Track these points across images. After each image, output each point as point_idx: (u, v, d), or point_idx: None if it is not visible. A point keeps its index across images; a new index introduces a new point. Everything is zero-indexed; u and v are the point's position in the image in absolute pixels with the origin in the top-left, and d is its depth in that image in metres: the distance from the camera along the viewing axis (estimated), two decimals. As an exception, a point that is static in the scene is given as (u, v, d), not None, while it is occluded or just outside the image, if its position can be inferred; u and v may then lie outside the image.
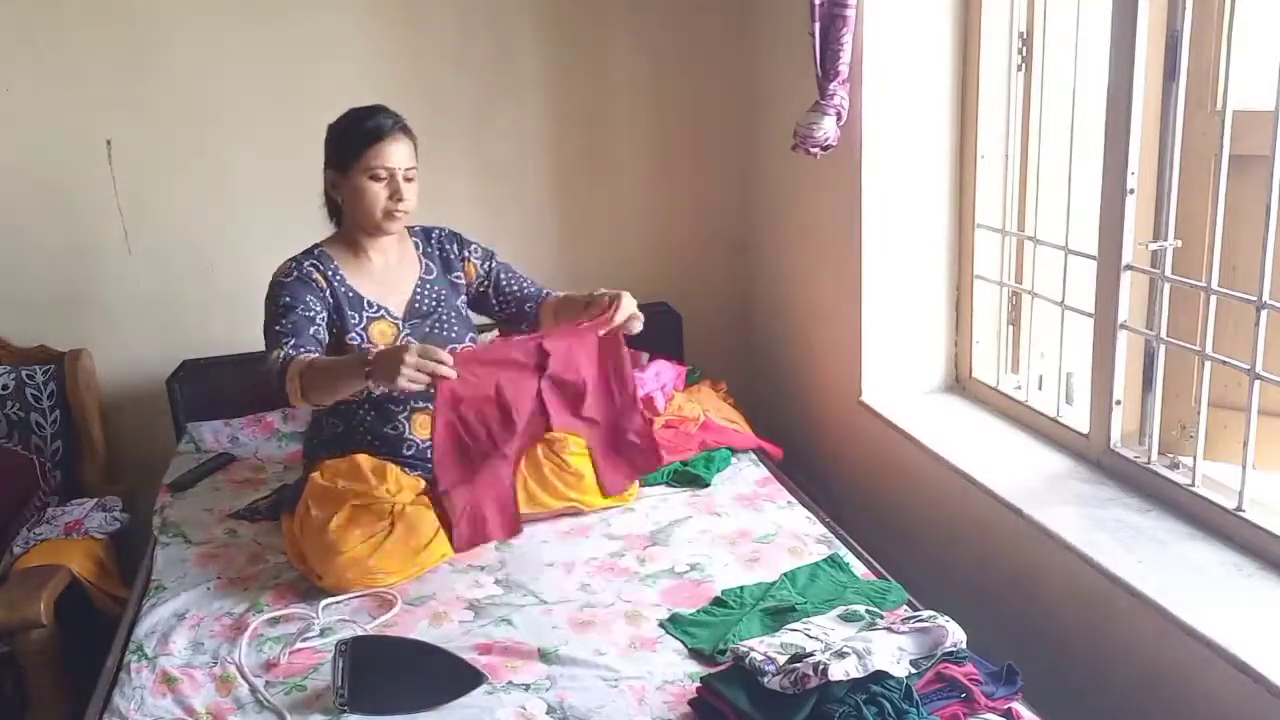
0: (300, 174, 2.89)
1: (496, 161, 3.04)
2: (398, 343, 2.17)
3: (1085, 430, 2.20)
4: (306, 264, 2.18)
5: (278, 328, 2.09)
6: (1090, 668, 1.89)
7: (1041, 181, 2.32)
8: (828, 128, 2.39)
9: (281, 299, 2.13)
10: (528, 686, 1.70)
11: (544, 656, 1.78)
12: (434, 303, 2.28)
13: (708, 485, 2.43)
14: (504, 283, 2.38)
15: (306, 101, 2.86)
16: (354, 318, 2.18)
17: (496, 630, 1.87)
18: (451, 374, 1.87)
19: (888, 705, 1.46)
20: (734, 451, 2.57)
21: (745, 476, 2.49)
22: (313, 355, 2.04)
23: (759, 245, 3.24)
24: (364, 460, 2.12)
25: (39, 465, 2.70)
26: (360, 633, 1.85)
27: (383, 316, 2.21)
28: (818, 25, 2.30)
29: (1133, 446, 2.14)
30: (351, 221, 2.22)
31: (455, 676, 1.70)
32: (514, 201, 3.08)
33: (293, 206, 2.91)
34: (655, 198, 3.20)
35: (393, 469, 2.12)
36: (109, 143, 2.77)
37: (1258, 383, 1.80)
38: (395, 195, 2.14)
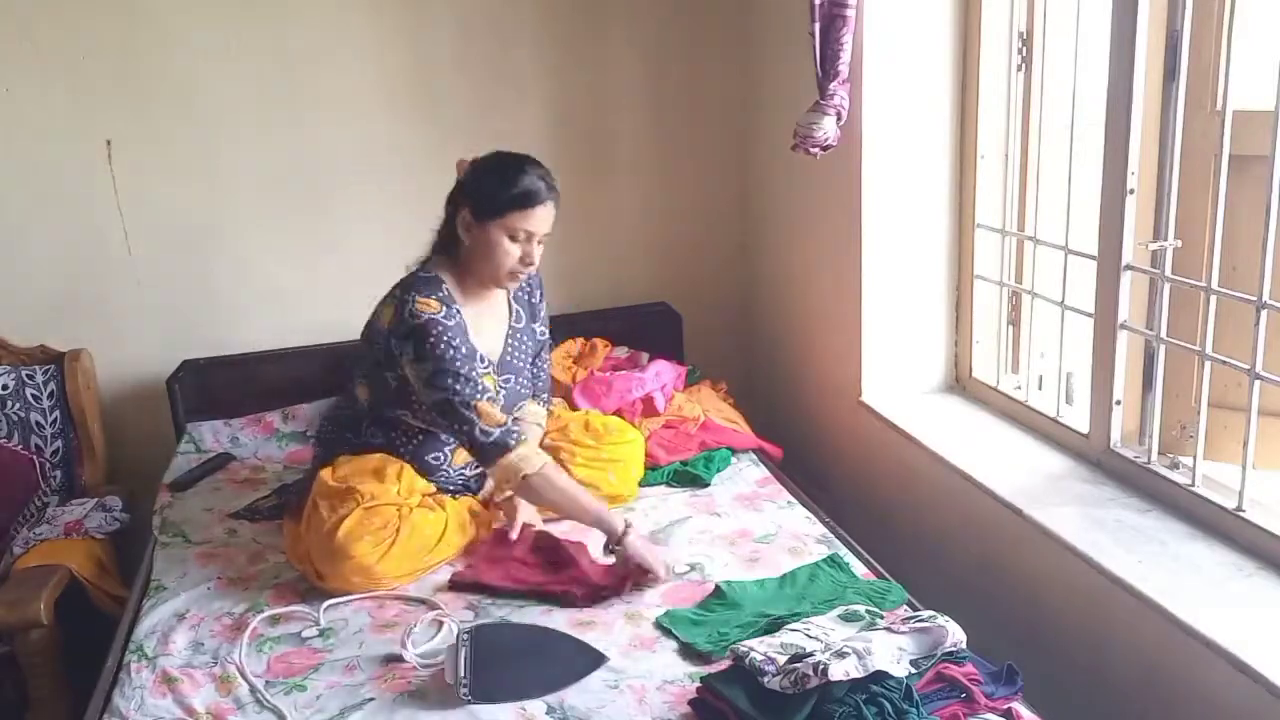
0: (300, 173, 2.91)
1: (496, 161, 3.03)
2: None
3: (1085, 430, 2.20)
4: (453, 308, 2.06)
5: (476, 375, 2.00)
6: (1090, 668, 1.89)
7: (1041, 181, 2.32)
8: (828, 128, 2.39)
9: (457, 346, 2.01)
10: (528, 686, 1.70)
11: (544, 656, 1.78)
12: (522, 357, 2.23)
13: (708, 485, 2.43)
14: (534, 363, 2.31)
15: (307, 101, 2.87)
16: (482, 371, 2.10)
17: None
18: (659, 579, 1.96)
19: (888, 705, 1.46)
20: (734, 451, 2.57)
21: (745, 476, 2.49)
22: (544, 461, 2.00)
23: (759, 245, 3.24)
24: (379, 459, 2.12)
25: (39, 465, 2.69)
26: (481, 622, 1.88)
27: (489, 372, 2.13)
28: (818, 25, 2.30)
29: (1133, 446, 2.14)
30: (468, 263, 2.11)
31: (577, 658, 1.74)
32: (514, 201, 3.08)
33: (293, 206, 2.92)
34: (655, 198, 3.20)
35: (407, 469, 2.12)
36: (109, 143, 2.77)
37: (1258, 383, 1.80)
38: (527, 259, 2.06)
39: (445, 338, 2.01)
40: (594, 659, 1.74)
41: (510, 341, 2.22)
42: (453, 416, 2.00)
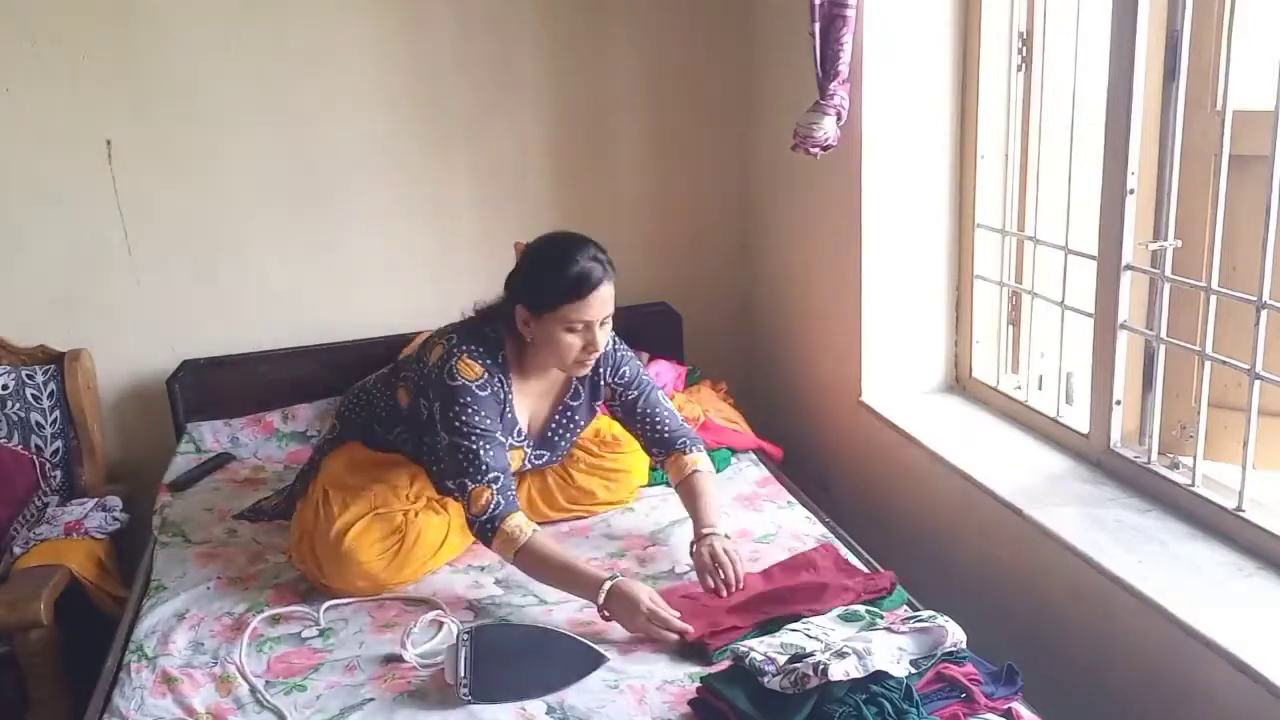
0: (300, 174, 2.91)
1: (496, 161, 3.04)
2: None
3: (1085, 430, 2.20)
4: (495, 381, 2.01)
5: (483, 453, 1.94)
6: (1090, 668, 1.89)
7: (1041, 181, 2.32)
8: (828, 128, 2.39)
9: (480, 419, 1.96)
10: (528, 686, 1.70)
11: (544, 656, 1.77)
12: (564, 434, 2.18)
13: (708, 485, 2.42)
14: (639, 421, 2.20)
15: (307, 101, 2.87)
16: (501, 443, 2.02)
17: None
18: (676, 636, 1.79)
19: (888, 705, 1.46)
20: (734, 451, 2.57)
21: (745, 476, 2.49)
22: (528, 531, 1.92)
23: (759, 245, 3.24)
24: (399, 457, 2.12)
25: (39, 465, 2.69)
26: (481, 622, 1.87)
27: (522, 445, 2.11)
28: (818, 25, 2.30)
29: (1133, 446, 2.14)
30: (532, 350, 2.03)
31: (577, 658, 1.73)
32: (514, 202, 3.08)
33: (293, 206, 2.92)
34: (655, 198, 3.20)
35: (421, 474, 2.12)
36: (109, 143, 2.77)
37: (1258, 383, 1.80)
38: (590, 346, 1.97)
39: (471, 409, 1.95)
40: (594, 659, 1.74)
41: (559, 418, 2.17)
42: (453, 488, 1.99)
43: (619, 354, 2.17)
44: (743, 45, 3.11)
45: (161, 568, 2.17)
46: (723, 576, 1.92)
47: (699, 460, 2.16)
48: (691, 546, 2.02)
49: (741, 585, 1.92)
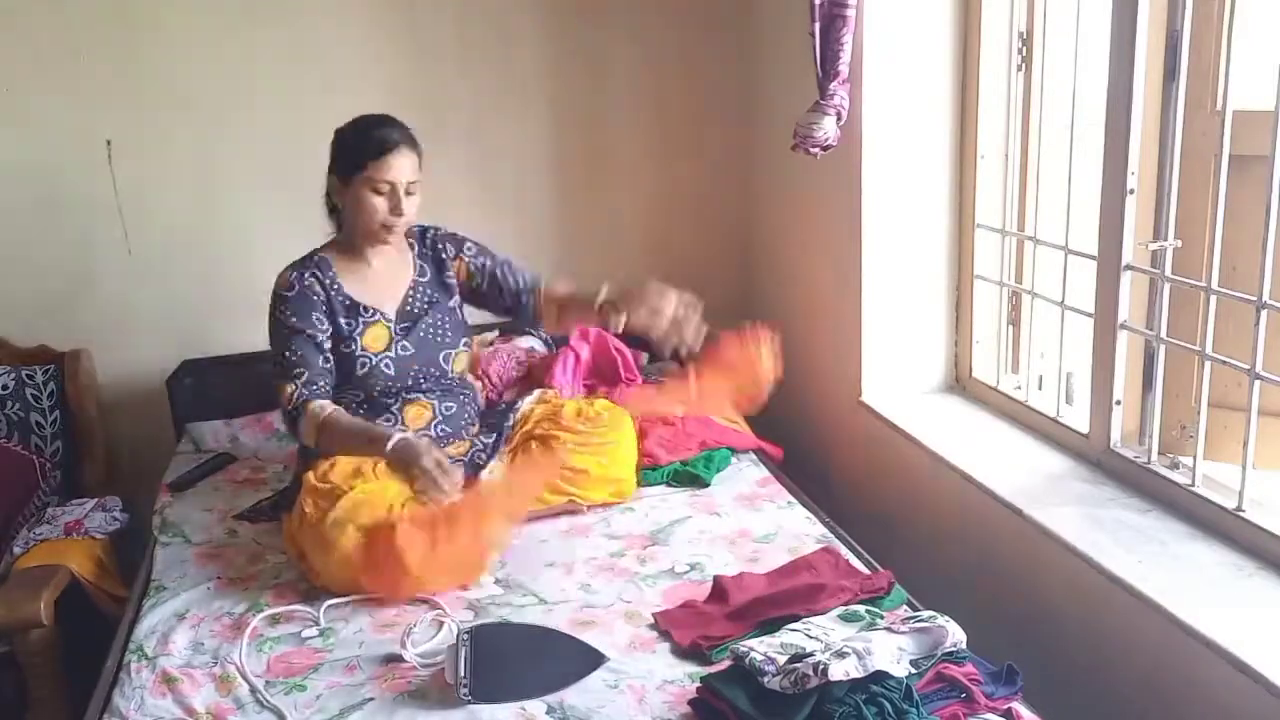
0: (300, 174, 2.90)
1: (496, 161, 3.04)
2: (398, 363, 2.22)
3: (1085, 430, 2.20)
4: (307, 275, 2.19)
5: (287, 354, 2.14)
6: (1090, 668, 1.89)
7: (1041, 181, 2.32)
8: (828, 128, 2.39)
9: (288, 319, 2.16)
10: (528, 686, 1.70)
11: (544, 656, 1.77)
12: (425, 305, 2.30)
13: (708, 485, 2.43)
14: (499, 277, 2.37)
15: (306, 101, 2.87)
16: (349, 325, 2.20)
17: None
18: (445, 499, 1.97)
19: (888, 705, 1.46)
20: (734, 451, 2.57)
21: (745, 476, 2.49)
22: (329, 409, 2.11)
23: (759, 245, 3.24)
24: (358, 461, 2.11)
25: (39, 465, 2.69)
26: (481, 622, 1.86)
27: (378, 321, 2.23)
28: (818, 25, 2.30)
29: (1133, 446, 2.14)
30: (350, 228, 2.23)
31: (577, 658, 1.73)
32: (514, 202, 3.08)
33: (293, 206, 2.91)
34: (655, 198, 3.20)
35: (380, 469, 2.11)
36: (109, 143, 2.77)
37: (1258, 383, 1.80)
38: (395, 209, 2.14)
39: (280, 310, 2.17)
40: (594, 659, 1.74)
41: (413, 294, 2.29)
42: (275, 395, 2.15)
43: (456, 233, 2.38)
44: (743, 45, 3.11)
45: (161, 568, 2.17)
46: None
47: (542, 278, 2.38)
48: (609, 318, 2.17)
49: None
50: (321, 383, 2.15)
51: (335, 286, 2.21)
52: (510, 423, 2.34)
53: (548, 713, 1.63)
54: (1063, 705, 1.74)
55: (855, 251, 2.55)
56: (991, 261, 2.51)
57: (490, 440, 2.30)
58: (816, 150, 2.43)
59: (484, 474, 2.26)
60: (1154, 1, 1.92)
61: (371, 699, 1.69)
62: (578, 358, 2.75)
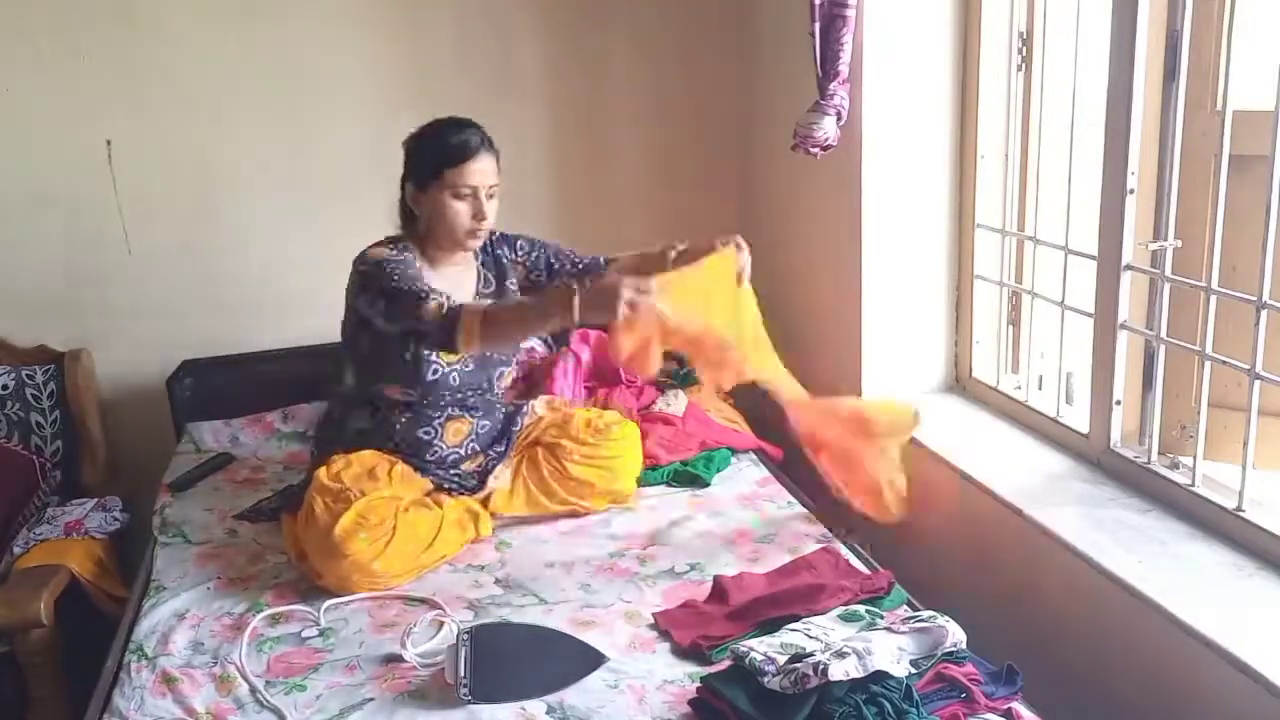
0: (300, 174, 2.91)
1: (496, 161, 3.03)
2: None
3: (1085, 430, 2.20)
4: (406, 252, 2.11)
5: (418, 285, 2.01)
6: (1090, 668, 1.89)
7: (1041, 181, 2.32)
8: (828, 128, 2.39)
9: (405, 272, 2.04)
10: (528, 686, 1.70)
11: (544, 656, 1.77)
12: None
13: (708, 485, 2.43)
14: (555, 265, 2.32)
15: (306, 101, 2.87)
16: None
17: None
18: (651, 301, 1.78)
19: (888, 705, 1.46)
20: (734, 451, 2.57)
21: (745, 476, 2.49)
22: (482, 303, 2.02)
23: (759, 245, 3.22)
24: (373, 457, 2.12)
25: (39, 465, 2.69)
26: (481, 622, 1.86)
27: None
28: (818, 25, 2.30)
29: (1133, 446, 2.14)
30: (429, 234, 2.15)
31: (577, 658, 1.73)
32: (514, 201, 3.05)
33: (293, 206, 2.93)
34: (655, 198, 3.20)
35: (402, 467, 2.12)
36: (109, 143, 2.77)
37: (1258, 383, 1.80)
38: (479, 214, 2.09)
39: (398, 266, 2.05)
40: (594, 659, 1.74)
41: None
42: (410, 325, 2.00)
43: (510, 237, 2.32)
44: (743, 45, 3.11)
45: (161, 568, 2.17)
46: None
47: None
48: (672, 256, 2.13)
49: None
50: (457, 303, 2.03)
51: (416, 266, 2.12)
52: (517, 428, 2.34)
53: (548, 713, 1.63)
54: (1063, 705, 1.74)
55: (855, 251, 2.55)
56: (991, 261, 2.51)
57: (501, 449, 2.30)
58: (816, 150, 2.43)
59: (490, 480, 2.26)
60: (1154, 1, 1.91)
61: (371, 699, 1.69)
62: (578, 360, 2.75)
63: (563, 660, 1.73)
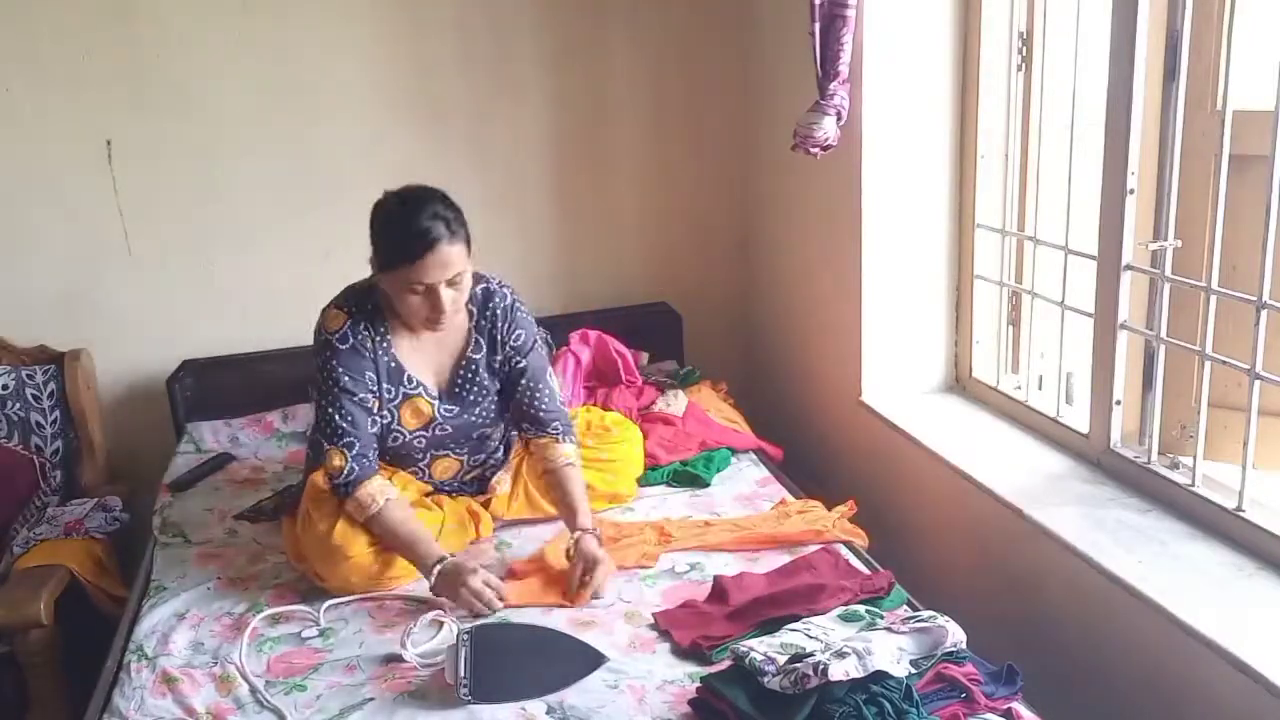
0: (300, 174, 2.91)
1: (496, 162, 3.04)
2: (434, 444, 2.12)
3: (1085, 430, 2.20)
4: (362, 328, 2.01)
5: (338, 417, 1.98)
6: (1090, 668, 1.89)
7: (1041, 181, 2.32)
8: (828, 128, 2.39)
9: (339, 375, 1.98)
10: (528, 686, 1.70)
11: (544, 656, 1.77)
12: (473, 390, 2.11)
13: (708, 485, 2.43)
14: (519, 393, 2.14)
15: (306, 101, 2.87)
16: (389, 392, 2.04)
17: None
18: (493, 613, 1.89)
19: (888, 705, 1.46)
20: (734, 451, 2.57)
21: (745, 476, 2.49)
22: (380, 502, 1.96)
23: (759, 245, 3.24)
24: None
25: (39, 465, 2.69)
26: (482, 622, 1.86)
27: (420, 394, 2.06)
28: (818, 25, 2.30)
29: (1133, 446, 2.14)
30: (394, 308, 2.02)
31: (577, 658, 1.74)
32: (514, 201, 3.08)
33: (293, 206, 2.92)
34: (655, 198, 3.20)
35: (399, 472, 2.12)
36: (109, 143, 2.77)
37: (1258, 383, 1.80)
38: (435, 307, 1.93)
39: (331, 364, 1.99)
40: (594, 659, 1.74)
41: (463, 371, 2.11)
42: (315, 453, 2.02)
43: (517, 313, 2.14)
44: (743, 45, 3.11)
45: (161, 568, 2.17)
46: (588, 581, 1.94)
47: (571, 453, 2.15)
48: (568, 547, 2.01)
49: (601, 596, 1.95)
50: (371, 454, 2.01)
51: (385, 345, 2.03)
52: (515, 434, 2.33)
53: (548, 713, 1.63)
54: (1063, 705, 1.74)
55: (855, 251, 2.55)
56: (991, 261, 2.51)
57: (500, 457, 2.30)
58: (816, 150, 2.43)
59: (492, 484, 2.26)
60: (1154, 1, 1.91)
61: (371, 699, 1.69)
62: (578, 361, 2.75)
63: (563, 660, 1.73)
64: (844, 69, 2.34)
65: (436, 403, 2.09)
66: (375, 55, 2.89)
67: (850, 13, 2.27)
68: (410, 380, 2.06)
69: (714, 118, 3.18)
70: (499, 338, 2.13)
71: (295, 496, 2.16)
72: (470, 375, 2.12)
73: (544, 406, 2.15)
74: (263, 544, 2.23)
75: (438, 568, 1.92)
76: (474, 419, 2.14)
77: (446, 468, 2.18)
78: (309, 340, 2.90)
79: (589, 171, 3.13)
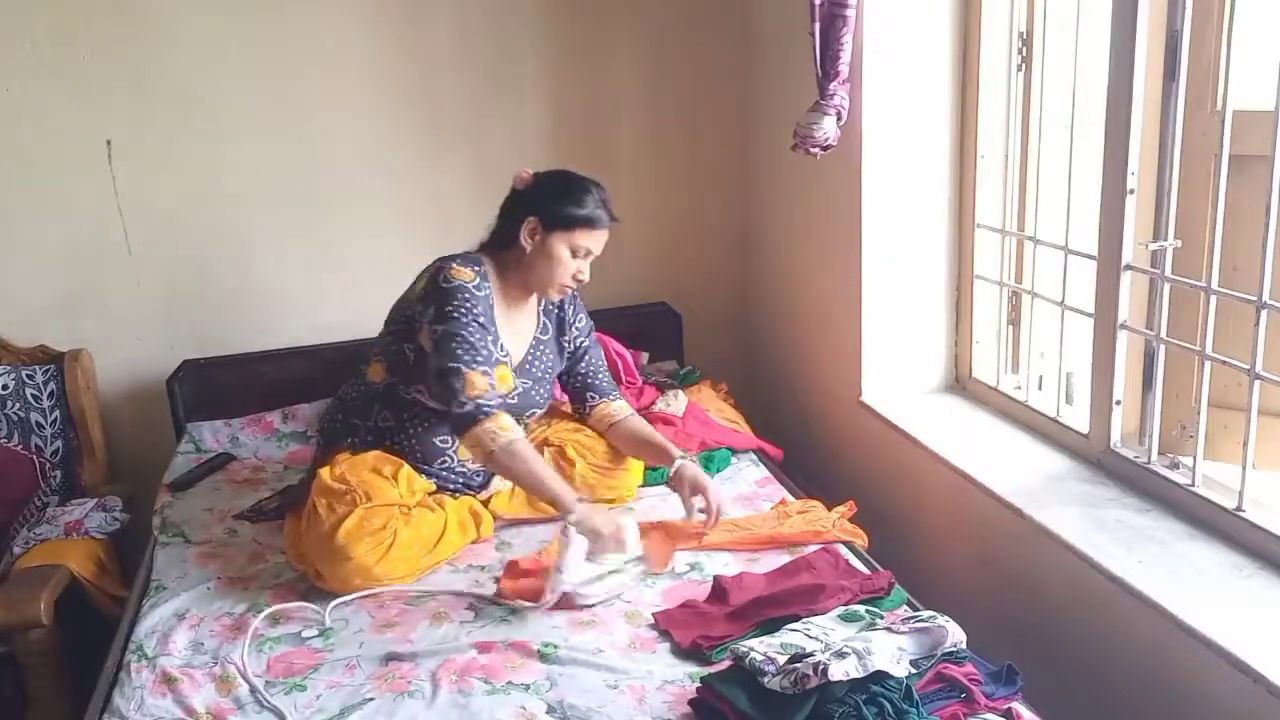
0: (301, 174, 2.91)
1: (496, 161, 3.03)
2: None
3: (1085, 430, 2.20)
4: (483, 287, 2.12)
5: (476, 341, 2.04)
6: (1090, 668, 1.89)
7: (1041, 181, 2.32)
8: (828, 128, 2.39)
9: (476, 312, 2.07)
10: (528, 686, 1.70)
11: (544, 656, 1.78)
12: (543, 368, 2.28)
13: (708, 485, 2.42)
14: (582, 366, 2.38)
15: (306, 101, 2.87)
16: (495, 344, 2.15)
17: (496, 630, 1.87)
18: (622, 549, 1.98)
19: (888, 705, 1.46)
20: (734, 451, 2.57)
21: (745, 476, 2.49)
22: (516, 435, 2.03)
23: (759, 245, 3.24)
24: (376, 457, 2.12)
25: (39, 465, 2.69)
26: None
27: (507, 363, 2.18)
28: (818, 25, 2.30)
29: (1133, 446, 2.14)
30: (520, 268, 2.17)
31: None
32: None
33: (293, 206, 2.92)
34: (655, 198, 3.20)
35: (406, 469, 2.12)
36: (109, 143, 2.77)
37: (1258, 383, 1.80)
38: (579, 273, 2.16)
39: (468, 304, 2.07)
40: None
41: (533, 350, 2.27)
42: (445, 381, 2.02)
43: (579, 301, 2.38)
44: (743, 45, 3.11)
45: (161, 568, 2.17)
46: (706, 505, 2.13)
47: (623, 407, 2.39)
48: (670, 479, 2.23)
49: (721, 514, 2.13)
50: (499, 396, 2.08)
51: (489, 304, 2.14)
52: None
53: (548, 712, 1.64)
54: (1063, 705, 1.74)
55: (855, 251, 2.55)
56: (991, 261, 2.51)
57: None
58: (816, 150, 2.43)
59: (495, 481, 2.27)
60: (1154, 1, 1.91)
61: (371, 699, 1.69)
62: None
63: None
64: (844, 69, 2.34)
65: (514, 376, 2.21)
66: (375, 55, 2.89)
67: (850, 13, 2.27)
68: (503, 348, 2.18)
69: (714, 118, 3.18)
70: (567, 320, 2.35)
71: (297, 495, 2.17)
72: (539, 354, 2.28)
73: (605, 377, 2.42)
74: (263, 544, 2.23)
75: (575, 509, 1.99)
76: (537, 396, 2.28)
77: None
78: (309, 340, 2.94)
79: (588, 171, 3.11)
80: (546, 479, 2.03)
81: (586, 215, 2.12)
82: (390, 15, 2.87)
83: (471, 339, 2.04)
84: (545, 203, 2.14)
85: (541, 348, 2.29)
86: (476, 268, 2.13)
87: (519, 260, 2.16)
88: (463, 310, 2.06)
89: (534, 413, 2.30)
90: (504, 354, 2.17)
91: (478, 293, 2.09)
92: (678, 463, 2.20)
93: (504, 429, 2.01)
